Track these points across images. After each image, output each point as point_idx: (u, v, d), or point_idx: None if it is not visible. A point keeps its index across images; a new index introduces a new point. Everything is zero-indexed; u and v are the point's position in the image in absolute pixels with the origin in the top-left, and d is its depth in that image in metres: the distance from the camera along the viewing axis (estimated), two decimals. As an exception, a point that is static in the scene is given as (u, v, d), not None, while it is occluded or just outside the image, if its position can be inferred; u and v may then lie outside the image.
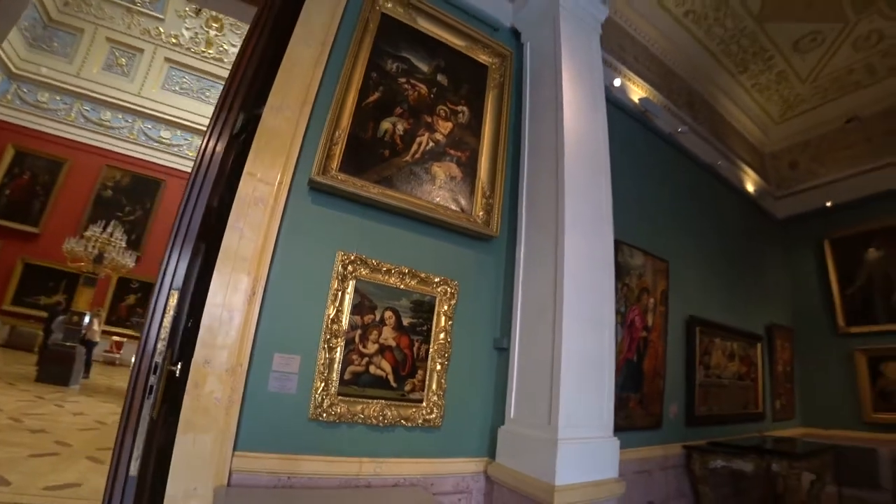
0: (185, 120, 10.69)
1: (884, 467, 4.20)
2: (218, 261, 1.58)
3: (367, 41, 2.10)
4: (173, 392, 1.55)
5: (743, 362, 4.17)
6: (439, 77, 2.31)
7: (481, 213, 2.22)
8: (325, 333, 1.72)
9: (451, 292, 2.06)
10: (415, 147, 2.11)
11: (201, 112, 10.65)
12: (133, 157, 10.18)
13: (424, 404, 1.93)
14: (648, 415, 3.04)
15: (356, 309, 1.80)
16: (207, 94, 11.02)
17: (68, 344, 6.11)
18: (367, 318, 1.82)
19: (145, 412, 1.45)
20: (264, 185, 1.71)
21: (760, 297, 4.80)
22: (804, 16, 4.17)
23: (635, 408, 2.96)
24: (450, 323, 2.04)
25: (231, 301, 1.57)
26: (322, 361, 1.70)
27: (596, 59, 2.64)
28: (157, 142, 10.53)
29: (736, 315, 4.22)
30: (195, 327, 1.55)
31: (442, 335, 2.01)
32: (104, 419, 4.57)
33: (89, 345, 6.93)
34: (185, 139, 10.73)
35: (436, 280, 2.03)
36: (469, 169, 2.27)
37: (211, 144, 1.79)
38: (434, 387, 1.96)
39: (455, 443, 2.02)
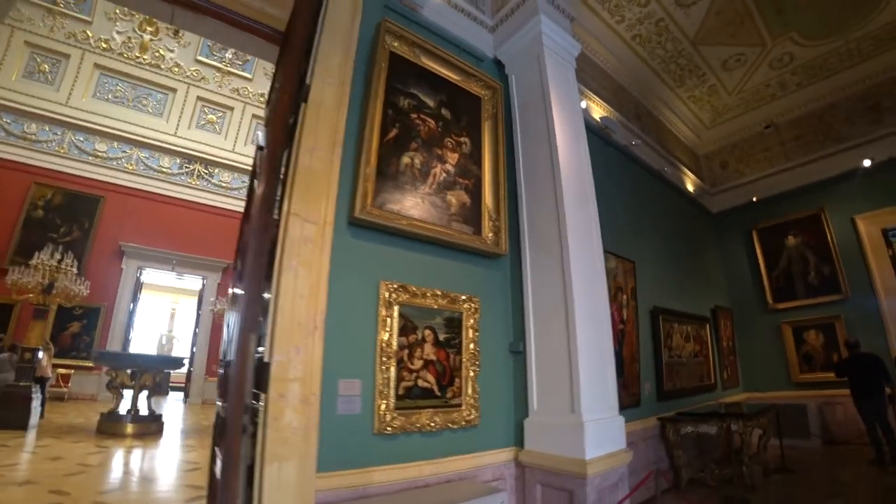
0: (121, 131, 10.01)
1: (812, 419, 5.02)
2: (279, 299, 1.73)
3: (381, 79, 2.29)
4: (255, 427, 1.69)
5: (696, 342, 4.77)
6: (443, 111, 2.55)
7: (490, 235, 2.50)
8: (380, 356, 1.93)
9: (474, 307, 2.32)
10: (430, 178, 2.35)
11: (139, 122, 10.04)
12: (65, 173, 9.42)
13: (463, 407, 2.19)
14: (630, 395, 3.48)
15: (402, 331, 2.02)
16: (144, 102, 10.40)
17: (22, 384, 5.66)
18: (412, 338, 2.05)
19: (244, 452, 1.57)
20: (311, 225, 1.86)
21: (705, 283, 5.48)
22: (730, 41, 4.83)
23: (620, 390, 3.37)
24: (476, 334, 2.31)
25: (294, 337, 1.73)
26: (380, 381, 1.91)
27: (574, 91, 3.00)
28: (91, 155, 9.81)
29: (688, 301, 4.82)
30: (266, 364, 1.69)
31: (471, 345, 2.28)
32: (85, 460, 4.37)
33: (42, 382, 6.43)
34: (124, 151, 10.08)
35: (462, 298, 2.28)
36: (476, 195, 2.54)
37: (262, 188, 1.91)
38: (470, 391, 2.22)
39: (490, 437, 2.30)
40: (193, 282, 10.27)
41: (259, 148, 2.41)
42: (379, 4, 2.59)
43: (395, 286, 2.03)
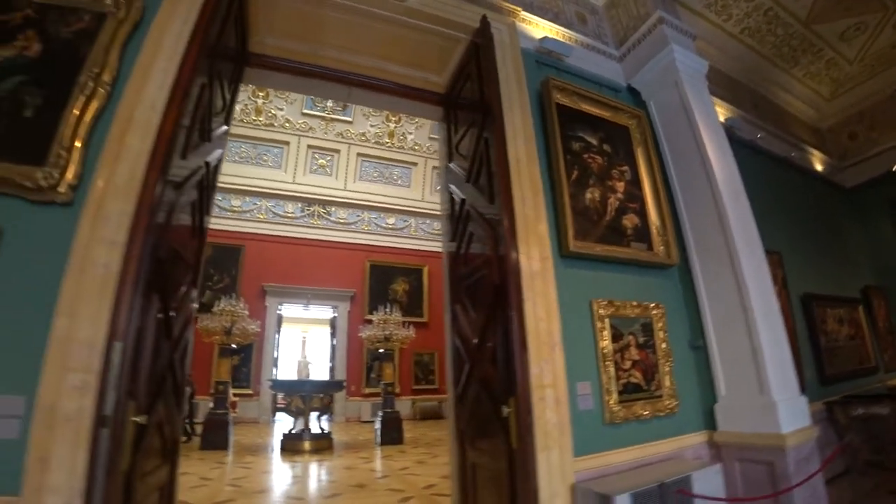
0: (250, 186, 11.31)
1: None
2: (527, 322, 2.21)
3: (556, 130, 2.76)
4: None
5: (850, 325, 4.68)
6: (605, 146, 2.97)
7: (661, 248, 2.86)
8: (602, 360, 2.38)
9: (661, 313, 2.70)
10: (609, 208, 2.77)
11: (263, 175, 11.33)
12: (213, 229, 10.95)
13: (664, 397, 2.56)
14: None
15: (613, 338, 2.45)
16: (264, 158, 11.77)
17: (220, 412, 6.92)
18: (620, 343, 2.48)
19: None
20: (538, 262, 2.36)
21: (849, 264, 5.30)
22: (846, 13, 4.74)
23: (787, 379, 3.53)
24: (665, 335, 2.68)
25: (542, 352, 2.21)
26: (604, 381, 2.35)
27: (711, 105, 3.28)
28: (229, 210, 11.40)
29: (836, 284, 4.75)
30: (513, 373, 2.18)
31: (663, 345, 2.65)
32: (317, 472, 5.18)
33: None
34: (254, 203, 11.43)
35: (651, 306, 2.67)
36: (642, 215, 2.91)
37: (496, 238, 2.41)
38: (668, 384, 2.59)
39: (687, 423, 2.65)
40: (320, 311, 11.47)
41: (451, 196, 2.98)
42: (532, 60, 3.08)
43: (603, 302, 2.48)
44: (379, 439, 7.00)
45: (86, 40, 2.14)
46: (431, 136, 11.25)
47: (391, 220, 11.67)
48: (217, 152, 2.74)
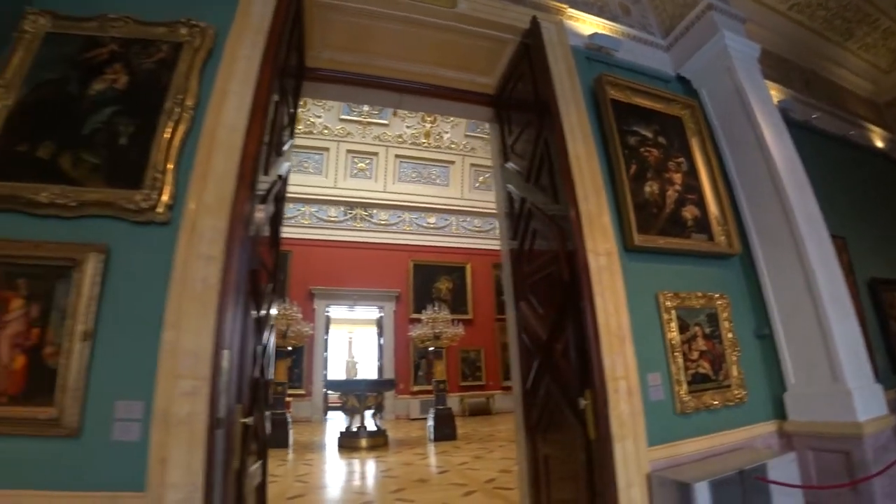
0: (294, 193, 11.21)
1: None
2: (598, 316, 2.27)
3: (614, 126, 2.79)
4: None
5: (921, 308, 4.46)
6: (660, 139, 2.98)
7: (722, 238, 2.85)
8: (670, 351, 2.41)
9: (725, 303, 2.70)
10: (667, 201, 2.78)
11: (306, 182, 11.27)
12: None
13: (732, 387, 2.57)
14: (868, 369, 3.50)
15: (680, 329, 2.48)
16: (305, 164, 11.60)
17: (278, 412, 7.24)
18: (687, 334, 2.51)
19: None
20: (604, 258, 2.41)
21: (916, 244, 5.04)
22: (907, -20, 4.49)
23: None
24: (731, 325, 2.69)
25: (613, 345, 2.27)
26: (673, 371, 2.39)
27: (765, 90, 3.23)
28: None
29: (902, 266, 4.53)
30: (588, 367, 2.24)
31: (729, 335, 2.66)
32: (385, 467, 5.39)
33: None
34: (298, 209, 11.50)
35: (715, 296, 2.68)
36: (701, 206, 2.90)
37: (562, 235, 2.47)
38: (735, 373, 2.60)
39: (756, 412, 2.65)
40: (365, 312, 11.78)
41: (509, 195, 3.06)
42: (582, 57, 3.11)
43: (669, 294, 2.51)
44: (433, 435, 7.16)
45: (166, 69, 2.34)
46: (468, 133, 11.31)
47: (432, 220, 11.83)
48: (286, 165, 2.92)
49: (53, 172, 2.03)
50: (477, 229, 12.09)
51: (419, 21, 2.88)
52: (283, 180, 2.80)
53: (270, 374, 2.63)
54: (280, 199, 2.74)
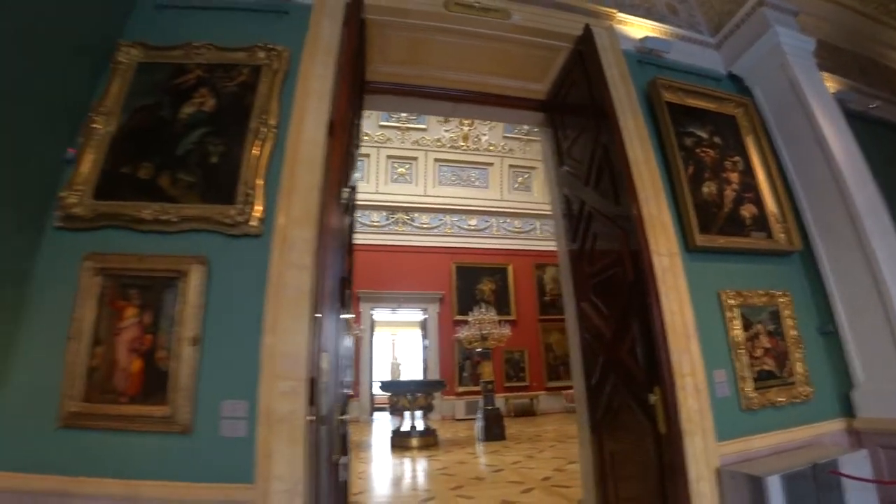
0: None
1: None
2: (664, 316, 2.31)
3: (670, 129, 2.83)
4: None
5: None
6: (715, 139, 3.00)
7: (782, 235, 2.85)
8: (734, 349, 2.45)
9: (788, 300, 2.71)
10: (725, 200, 2.81)
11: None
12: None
13: (797, 384, 2.58)
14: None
15: (744, 327, 2.52)
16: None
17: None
18: (750, 332, 2.53)
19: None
20: (666, 258, 2.47)
21: None
22: (971, -41, 4.31)
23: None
24: (794, 322, 2.69)
25: (679, 343, 2.32)
26: (738, 368, 2.43)
27: (822, 84, 3.19)
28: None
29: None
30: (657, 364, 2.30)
31: (792, 332, 2.67)
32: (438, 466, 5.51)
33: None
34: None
35: (777, 293, 2.70)
36: (759, 205, 2.91)
37: (628, 238, 2.52)
38: (800, 370, 2.61)
39: (823, 409, 2.64)
40: (409, 314, 11.98)
41: (566, 198, 3.13)
42: (633, 61, 3.15)
43: (731, 293, 2.54)
44: (482, 435, 7.27)
45: (248, 91, 2.53)
46: (505, 135, 11.38)
47: (473, 222, 11.90)
48: (357, 175, 3.08)
49: (154, 191, 2.24)
50: (517, 230, 12.10)
51: (474, 33, 3.00)
52: (353, 190, 2.96)
53: (349, 376, 2.79)
54: (352, 207, 2.90)
